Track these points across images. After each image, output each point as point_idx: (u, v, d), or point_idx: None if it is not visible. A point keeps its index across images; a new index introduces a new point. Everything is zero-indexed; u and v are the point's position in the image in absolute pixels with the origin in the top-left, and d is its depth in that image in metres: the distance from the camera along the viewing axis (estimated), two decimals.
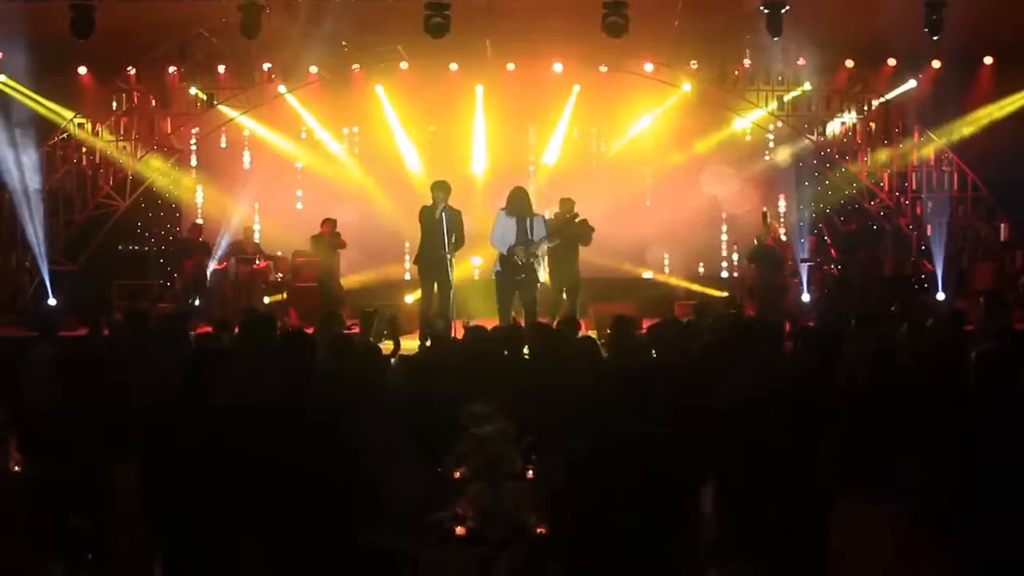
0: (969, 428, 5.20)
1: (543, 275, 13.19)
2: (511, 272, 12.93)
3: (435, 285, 13.12)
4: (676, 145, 18.86)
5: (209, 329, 11.18)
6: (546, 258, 13.32)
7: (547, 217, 13.67)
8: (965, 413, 5.42)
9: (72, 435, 6.31)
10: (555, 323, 11.56)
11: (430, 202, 13.06)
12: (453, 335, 11.57)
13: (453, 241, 12.90)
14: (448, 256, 12.90)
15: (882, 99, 18.15)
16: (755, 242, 15.69)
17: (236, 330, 9.24)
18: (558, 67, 17.89)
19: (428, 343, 10.56)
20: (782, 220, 19.01)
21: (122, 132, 18.19)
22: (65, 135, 18.03)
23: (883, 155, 18.27)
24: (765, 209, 16.26)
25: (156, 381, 6.78)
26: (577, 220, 13.67)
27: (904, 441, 5.28)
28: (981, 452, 5.06)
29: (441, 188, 13.04)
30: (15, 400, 7.24)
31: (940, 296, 16.83)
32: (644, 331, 9.02)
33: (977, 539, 4.90)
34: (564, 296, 13.67)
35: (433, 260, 12.99)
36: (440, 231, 12.86)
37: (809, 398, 6.01)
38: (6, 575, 5.87)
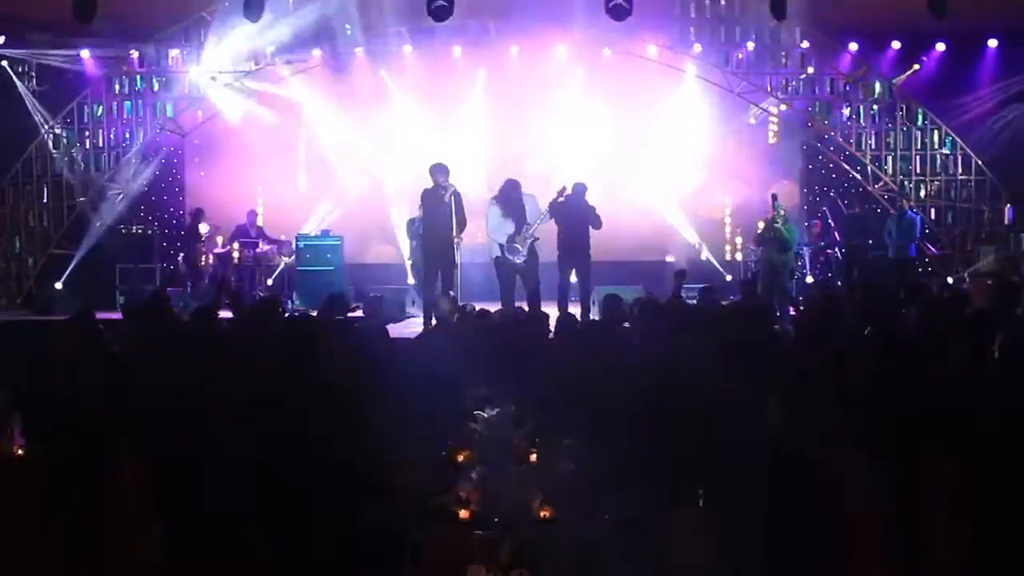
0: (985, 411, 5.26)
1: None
2: (514, 256, 12.98)
3: (439, 268, 13.14)
4: (680, 129, 18.83)
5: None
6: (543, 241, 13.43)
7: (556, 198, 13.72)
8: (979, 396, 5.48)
9: (77, 418, 6.31)
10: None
11: (431, 185, 13.07)
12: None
13: (456, 223, 12.93)
14: (457, 239, 12.94)
15: (886, 82, 18.10)
16: (761, 224, 15.67)
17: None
18: (562, 51, 17.89)
19: (433, 325, 10.60)
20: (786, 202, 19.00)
21: (125, 115, 18.17)
22: (68, 118, 18.02)
23: (887, 138, 18.24)
24: (774, 191, 16.25)
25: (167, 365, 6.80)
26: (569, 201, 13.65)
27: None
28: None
29: (442, 171, 13.04)
30: (19, 383, 7.22)
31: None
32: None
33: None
34: (574, 279, 13.72)
35: (440, 243, 13.00)
36: (448, 214, 12.87)
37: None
38: (8, 558, 5.88)
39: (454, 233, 12.92)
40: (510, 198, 13.13)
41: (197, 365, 6.43)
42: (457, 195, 13.02)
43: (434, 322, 10.11)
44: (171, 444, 5.61)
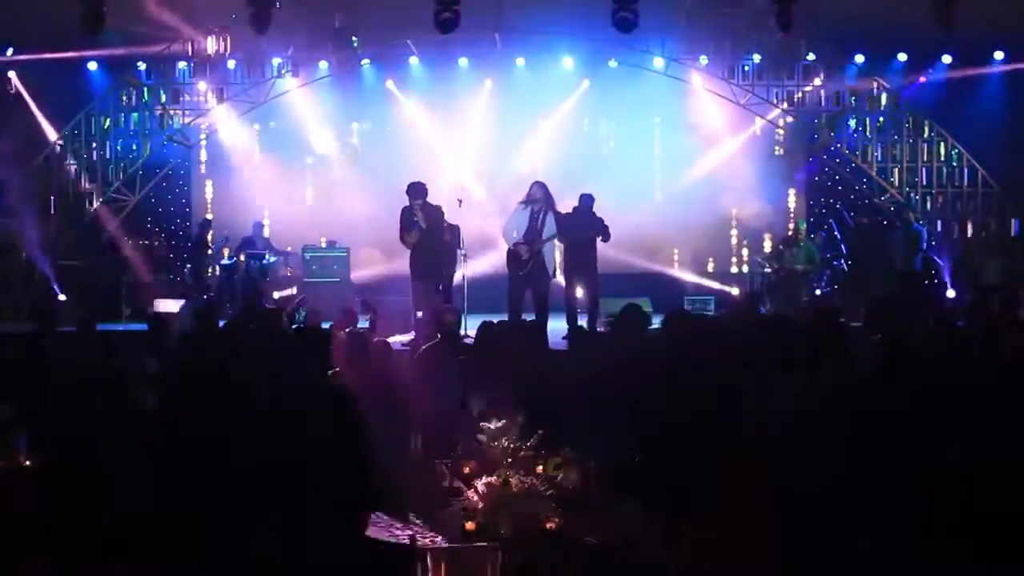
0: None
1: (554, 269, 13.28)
2: (518, 267, 12.95)
3: (426, 282, 13.26)
4: (686, 140, 18.85)
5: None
6: (558, 252, 13.39)
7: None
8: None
9: (82, 430, 6.32)
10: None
11: (439, 197, 13.17)
12: (464, 329, 11.66)
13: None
14: (462, 252, 13.05)
15: (892, 94, 18.10)
16: (769, 243, 15.79)
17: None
18: (567, 62, 17.94)
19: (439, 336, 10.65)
20: (792, 215, 19.01)
21: (132, 127, 18.21)
22: (76, 130, 18.07)
23: (893, 150, 18.25)
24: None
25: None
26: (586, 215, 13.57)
27: None
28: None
29: (414, 191, 13.30)
30: (27, 395, 7.23)
31: (950, 292, 16.79)
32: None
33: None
34: (580, 292, 13.63)
35: (430, 257, 13.14)
36: (424, 231, 13.02)
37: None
38: (15, 567, 5.89)
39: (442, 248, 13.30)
40: (535, 201, 13.09)
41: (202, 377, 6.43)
42: (434, 210, 13.29)
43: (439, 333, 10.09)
44: (176, 457, 5.61)
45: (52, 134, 17.97)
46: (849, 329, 8.44)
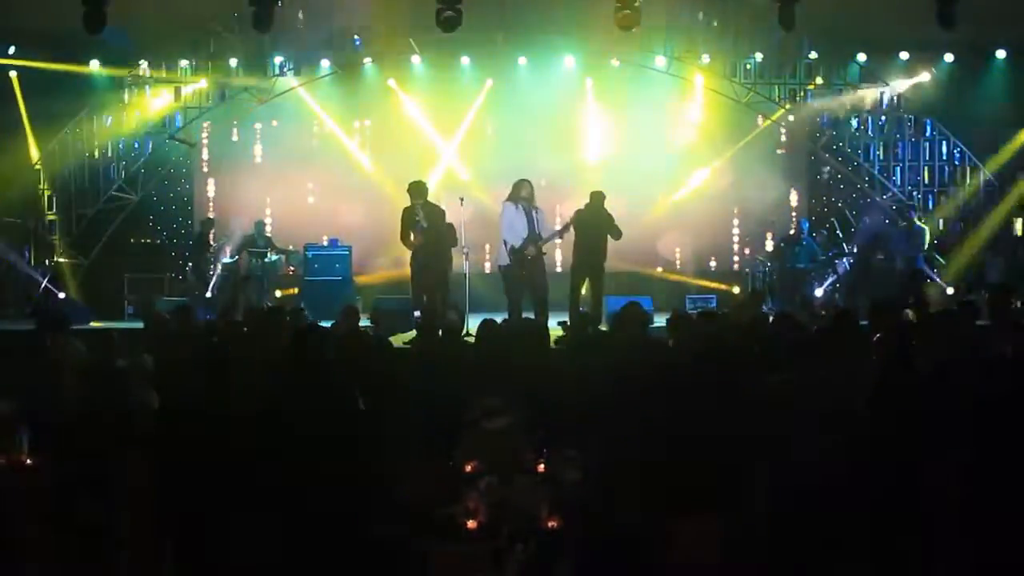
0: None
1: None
2: (519, 265, 12.94)
3: (425, 283, 13.41)
4: (688, 139, 18.85)
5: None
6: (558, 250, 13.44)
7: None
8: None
9: (85, 427, 6.32)
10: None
11: (439, 196, 13.19)
12: (465, 328, 11.68)
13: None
14: (465, 249, 13.11)
15: (894, 93, 18.09)
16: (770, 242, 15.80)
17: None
18: (569, 61, 17.93)
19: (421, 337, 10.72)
20: (794, 214, 19.00)
21: (134, 125, 18.21)
22: (77, 128, 18.07)
23: (895, 149, 18.25)
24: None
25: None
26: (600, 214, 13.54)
27: None
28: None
29: (416, 191, 13.47)
30: (29, 392, 7.23)
31: (950, 291, 16.74)
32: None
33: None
34: (587, 289, 13.63)
35: (431, 256, 13.17)
36: (423, 231, 13.04)
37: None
38: (18, 563, 5.90)
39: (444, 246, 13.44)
40: (524, 200, 13.09)
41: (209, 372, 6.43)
42: (435, 209, 13.46)
43: (441, 332, 10.11)
44: (179, 457, 5.61)
45: (35, 153, 18.02)
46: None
